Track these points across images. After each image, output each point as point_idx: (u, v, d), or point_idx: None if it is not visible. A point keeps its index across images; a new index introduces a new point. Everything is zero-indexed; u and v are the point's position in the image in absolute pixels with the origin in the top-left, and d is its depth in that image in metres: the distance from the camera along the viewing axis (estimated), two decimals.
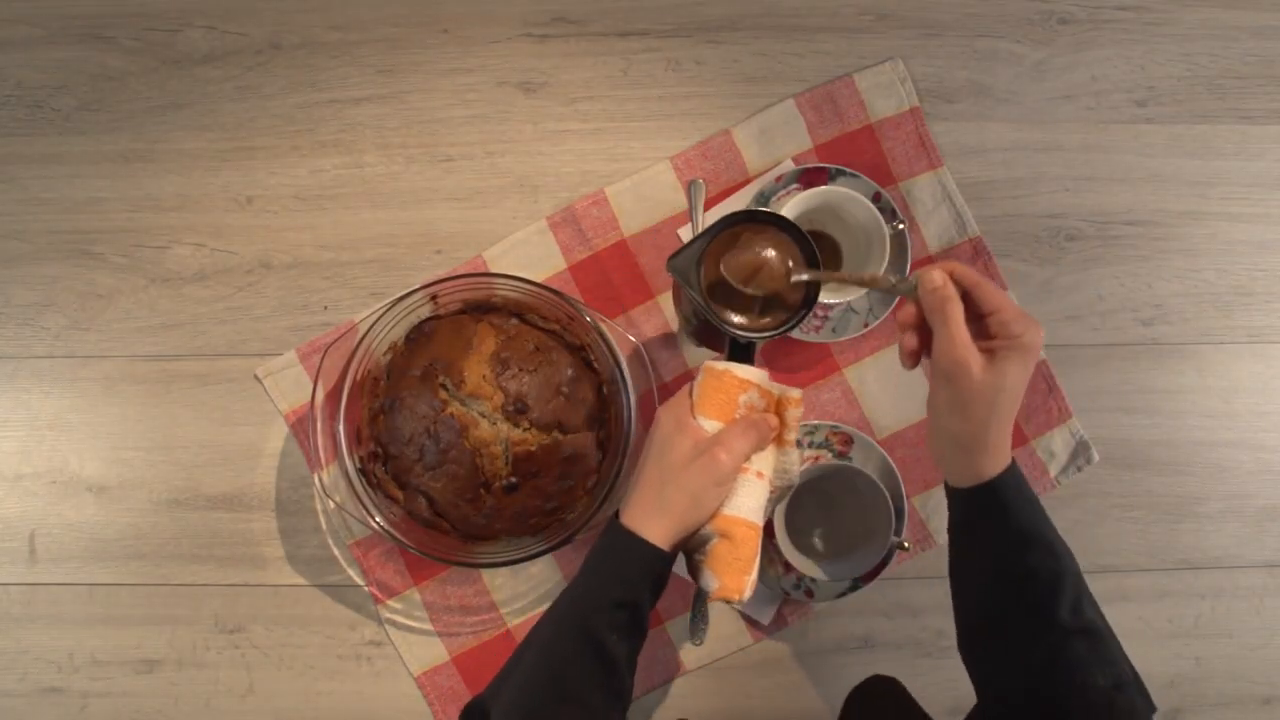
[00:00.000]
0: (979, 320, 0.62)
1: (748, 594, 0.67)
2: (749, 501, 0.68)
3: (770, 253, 0.68)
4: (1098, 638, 0.63)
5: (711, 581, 0.67)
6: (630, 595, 0.64)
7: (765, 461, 0.70)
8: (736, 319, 0.70)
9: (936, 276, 0.61)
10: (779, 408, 0.70)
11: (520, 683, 0.63)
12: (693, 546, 0.68)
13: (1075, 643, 0.61)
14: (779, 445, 0.70)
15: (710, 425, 0.68)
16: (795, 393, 0.70)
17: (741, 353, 0.71)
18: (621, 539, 0.65)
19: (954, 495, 0.67)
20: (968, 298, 0.61)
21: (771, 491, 0.71)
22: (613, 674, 0.63)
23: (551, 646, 0.64)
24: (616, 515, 0.68)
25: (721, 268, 0.68)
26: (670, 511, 0.65)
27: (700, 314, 0.70)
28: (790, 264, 0.68)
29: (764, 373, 0.70)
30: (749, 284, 0.68)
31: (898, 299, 0.86)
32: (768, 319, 0.70)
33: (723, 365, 0.69)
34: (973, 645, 0.66)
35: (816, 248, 0.69)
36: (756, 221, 0.69)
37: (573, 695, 0.62)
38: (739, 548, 0.67)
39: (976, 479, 0.64)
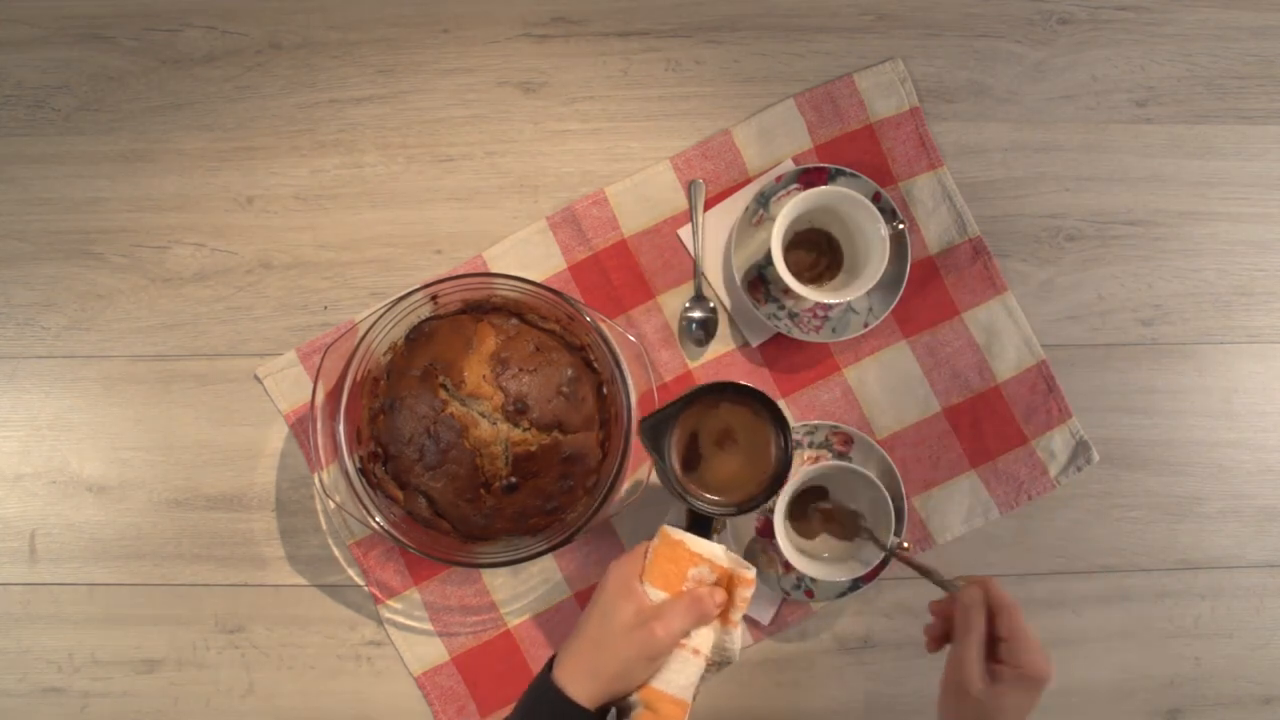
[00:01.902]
0: (996, 641, 0.65)
1: None
2: (679, 679, 0.68)
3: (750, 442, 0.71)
4: None
5: None
6: None
7: (705, 638, 0.69)
8: (702, 492, 0.72)
9: (975, 593, 0.65)
10: (730, 584, 0.69)
11: None
12: (620, 709, 0.69)
13: None
14: (723, 623, 0.70)
15: (656, 594, 0.68)
16: (749, 572, 0.69)
17: (700, 524, 0.72)
18: (550, 696, 0.66)
19: None
20: (993, 618, 0.65)
21: (708, 668, 0.70)
22: None
23: None
24: (550, 665, 0.68)
25: (699, 441, 0.72)
26: (600, 676, 0.66)
27: (664, 478, 0.71)
28: (768, 451, 0.72)
29: (720, 548, 0.70)
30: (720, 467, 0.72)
31: (898, 298, 0.86)
32: (735, 492, 0.72)
33: (678, 535, 0.69)
34: None
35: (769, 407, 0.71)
36: (734, 395, 0.71)
37: None
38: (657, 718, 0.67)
39: None
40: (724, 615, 0.69)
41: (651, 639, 0.66)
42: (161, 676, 0.87)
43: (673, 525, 0.71)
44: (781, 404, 0.89)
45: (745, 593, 0.69)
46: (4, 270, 0.89)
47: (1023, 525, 0.90)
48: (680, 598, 0.68)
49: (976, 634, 0.64)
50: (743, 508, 0.71)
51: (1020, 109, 0.92)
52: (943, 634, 0.69)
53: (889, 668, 0.89)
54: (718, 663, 0.70)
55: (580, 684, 0.66)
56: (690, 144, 0.90)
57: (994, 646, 0.65)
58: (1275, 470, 0.91)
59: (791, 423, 0.88)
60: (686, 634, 0.68)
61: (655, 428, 0.70)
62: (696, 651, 0.68)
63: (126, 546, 0.88)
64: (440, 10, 0.91)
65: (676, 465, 0.72)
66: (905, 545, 0.82)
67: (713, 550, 0.69)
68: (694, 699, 0.69)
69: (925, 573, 0.69)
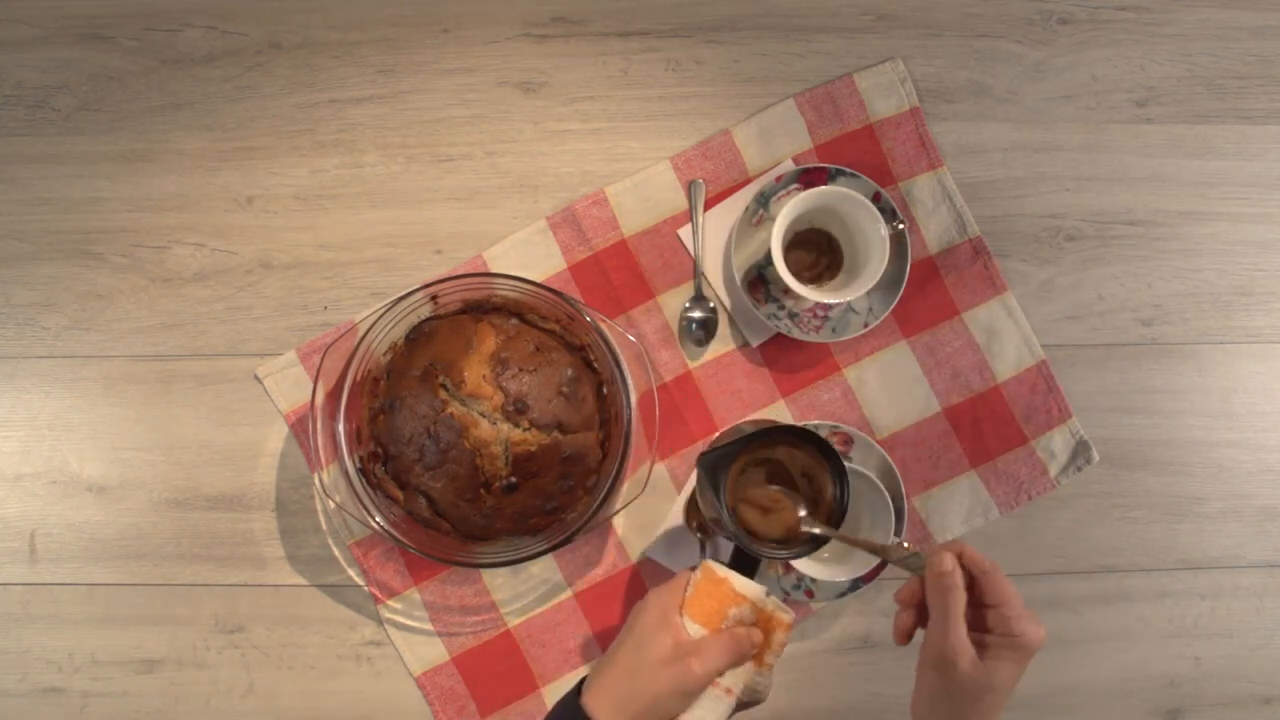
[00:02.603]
0: (979, 609, 0.60)
1: None
2: (710, 716, 0.67)
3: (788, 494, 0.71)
4: None
5: None
6: None
7: (737, 678, 0.68)
8: (753, 530, 0.71)
9: (946, 561, 0.60)
10: (767, 626, 0.68)
11: None
12: None
13: None
14: (757, 664, 0.69)
15: (695, 629, 0.67)
16: (787, 616, 0.68)
17: (746, 564, 0.70)
18: None
19: None
20: (973, 584, 0.60)
21: (736, 708, 0.69)
22: None
23: None
24: (579, 689, 0.67)
25: (748, 493, 0.71)
26: (630, 707, 0.64)
27: (716, 517, 0.70)
28: (800, 511, 0.70)
29: (763, 589, 0.68)
30: (769, 511, 0.70)
31: (898, 298, 0.86)
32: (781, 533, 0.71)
33: (724, 572, 0.68)
34: None
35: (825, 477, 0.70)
36: (796, 438, 0.70)
37: None
38: None
39: None
40: (758, 657, 0.68)
41: (688, 674, 0.64)
42: (161, 676, 0.87)
43: (715, 560, 0.69)
44: (781, 404, 0.89)
45: (782, 636, 0.68)
46: (4, 270, 0.89)
47: (1023, 525, 0.90)
48: (720, 636, 0.66)
49: (958, 604, 0.59)
50: (797, 553, 0.69)
51: (1020, 109, 0.92)
52: (914, 624, 0.64)
53: (889, 668, 0.89)
54: (746, 703, 0.69)
55: (610, 712, 0.64)
56: (690, 144, 0.90)
57: (977, 616, 0.60)
58: (1275, 470, 0.91)
59: (792, 422, 0.88)
60: (721, 673, 0.66)
61: (715, 464, 0.69)
62: (729, 691, 0.67)
63: (126, 546, 0.88)
64: (440, 10, 0.91)
65: (730, 503, 0.71)
66: (905, 545, 0.82)
67: (756, 591, 0.68)
68: None
69: (879, 550, 0.66)
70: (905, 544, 0.80)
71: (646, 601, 0.68)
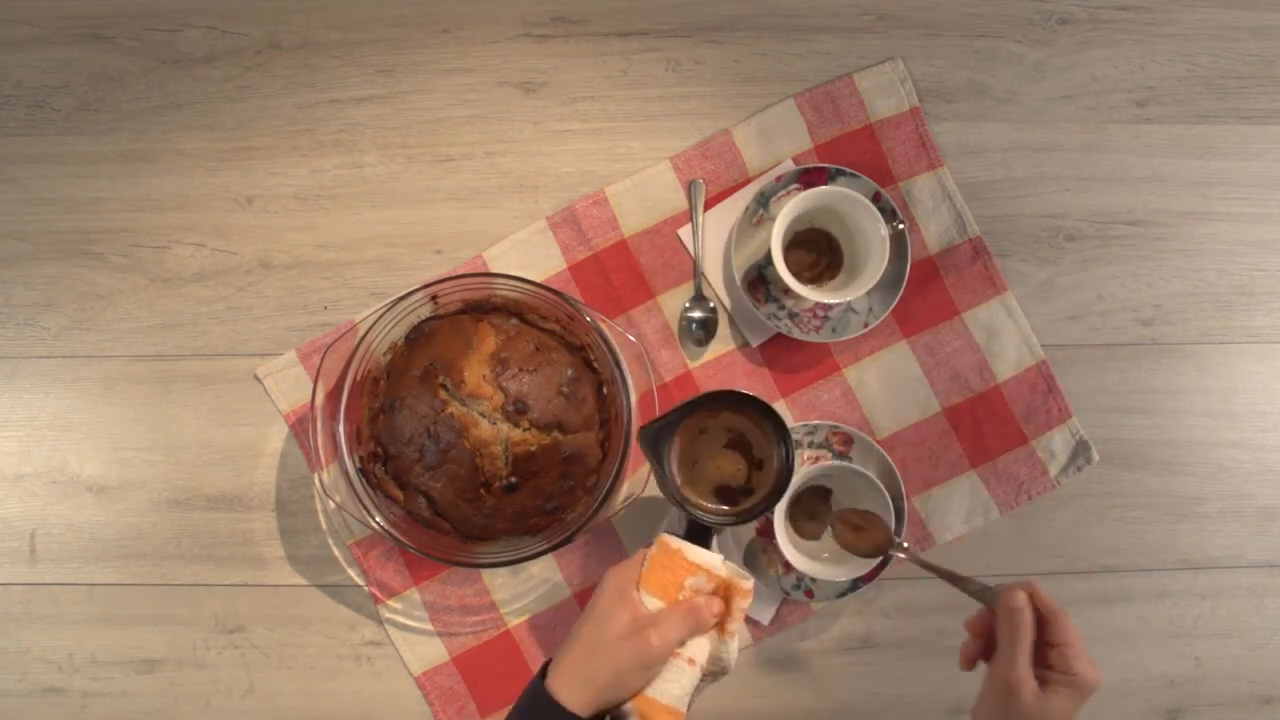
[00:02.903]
0: (1043, 646, 0.63)
1: None
2: (674, 688, 0.67)
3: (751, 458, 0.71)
4: None
5: None
6: None
7: (701, 648, 0.68)
8: (701, 501, 0.71)
9: (1019, 597, 0.63)
10: (727, 594, 0.69)
11: None
12: (614, 718, 0.68)
13: None
14: (720, 633, 0.69)
15: (651, 602, 0.67)
16: (747, 583, 0.68)
17: (699, 533, 0.71)
18: (542, 702, 0.66)
19: None
20: (1041, 623, 0.63)
21: (702, 678, 0.69)
22: None
23: None
24: (544, 672, 0.68)
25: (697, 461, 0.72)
26: (593, 683, 0.65)
27: (665, 487, 0.71)
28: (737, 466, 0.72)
29: (718, 557, 0.69)
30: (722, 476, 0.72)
31: (898, 298, 0.86)
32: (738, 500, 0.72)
33: (676, 543, 0.69)
34: None
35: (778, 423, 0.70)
36: (735, 403, 0.70)
37: None
38: None
39: None
40: (721, 625, 0.69)
41: (646, 648, 0.65)
42: (161, 676, 0.87)
43: (671, 533, 0.70)
44: (781, 404, 0.89)
45: (742, 603, 0.68)
46: (4, 270, 0.89)
47: (1023, 525, 0.90)
48: (676, 607, 0.67)
49: (1026, 639, 0.62)
50: (742, 517, 0.70)
51: (1020, 109, 0.92)
52: (979, 653, 0.67)
53: (889, 668, 0.89)
54: (713, 673, 0.70)
55: (573, 691, 0.66)
56: (690, 144, 0.90)
57: (1040, 652, 0.63)
58: (1275, 470, 0.91)
59: (791, 423, 0.88)
60: (682, 643, 0.68)
61: (656, 435, 0.70)
62: (691, 661, 0.68)
63: (126, 546, 0.88)
64: (440, 10, 0.91)
65: (676, 473, 0.72)
66: (905, 545, 0.83)
67: (710, 560, 0.69)
68: (689, 709, 0.68)
69: (956, 580, 0.68)
70: (905, 544, 0.80)
71: (605, 579, 0.70)
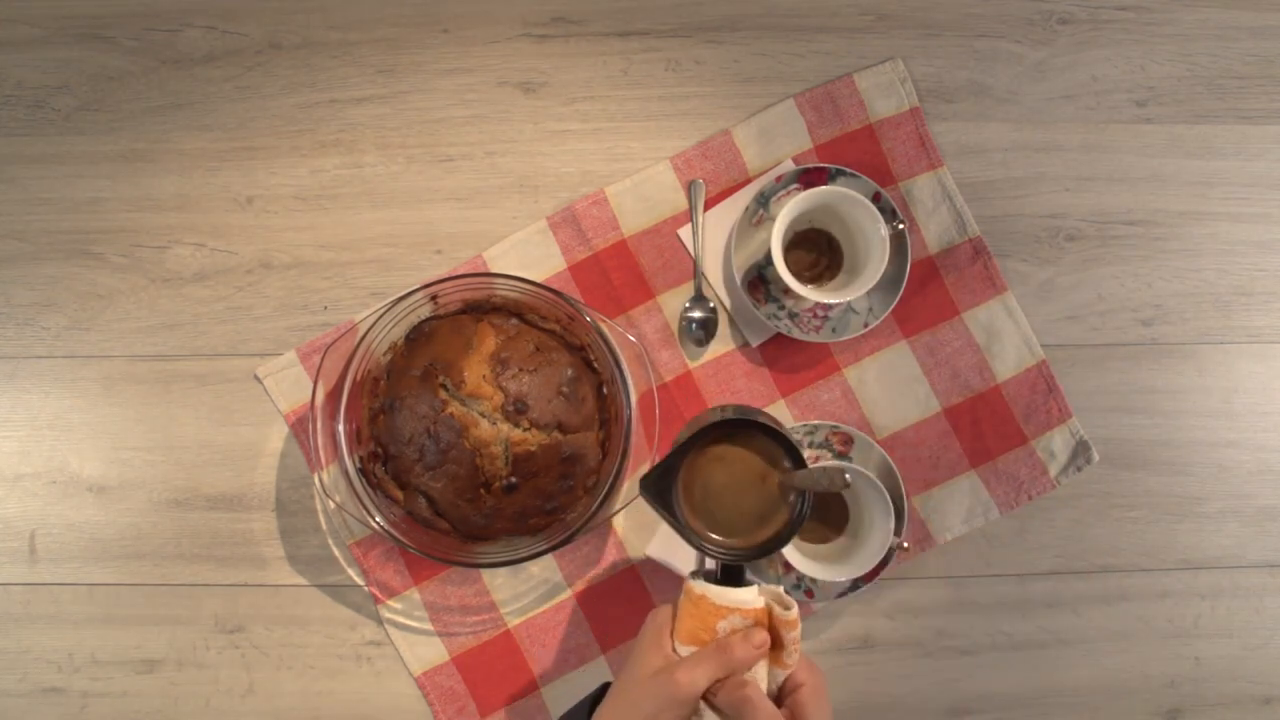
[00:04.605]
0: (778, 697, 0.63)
1: None
2: None
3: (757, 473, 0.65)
4: None
5: None
6: None
7: (758, 682, 0.63)
8: (719, 539, 0.65)
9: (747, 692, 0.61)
10: (773, 627, 0.64)
11: None
12: None
13: None
14: (775, 665, 0.64)
15: (685, 652, 0.63)
16: (790, 612, 0.63)
17: (731, 571, 0.65)
18: None
19: None
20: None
21: None
22: None
23: None
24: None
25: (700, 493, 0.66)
26: None
27: (683, 534, 0.65)
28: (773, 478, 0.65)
29: (751, 591, 0.63)
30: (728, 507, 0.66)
31: (898, 298, 0.86)
32: (757, 532, 0.65)
33: (700, 588, 0.63)
34: None
35: (793, 446, 0.65)
36: (728, 430, 0.65)
37: None
38: None
39: None
40: (776, 659, 0.64)
41: (671, 685, 0.61)
42: (161, 676, 0.87)
43: (697, 573, 0.66)
44: (781, 404, 0.89)
45: (790, 633, 0.63)
46: (4, 270, 0.89)
47: (1023, 525, 0.90)
48: (706, 646, 0.63)
49: (760, 695, 0.61)
50: (767, 548, 0.65)
51: (1020, 109, 0.92)
52: None
53: (889, 668, 0.89)
54: None
55: None
56: (690, 144, 0.90)
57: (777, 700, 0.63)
58: (1275, 470, 0.91)
59: (791, 423, 0.88)
60: (712, 680, 0.62)
61: (658, 483, 0.64)
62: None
63: (126, 546, 0.88)
64: (440, 10, 0.91)
65: (687, 513, 0.66)
66: (905, 545, 0.83)
67: (741, 597, 0.63)
68: None
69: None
70: (905, 544, 0.80)
71: (645, 624, 0.66)
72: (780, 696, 0.63)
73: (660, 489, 0.65)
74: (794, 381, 0.90)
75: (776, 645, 0.63)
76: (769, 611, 0.64)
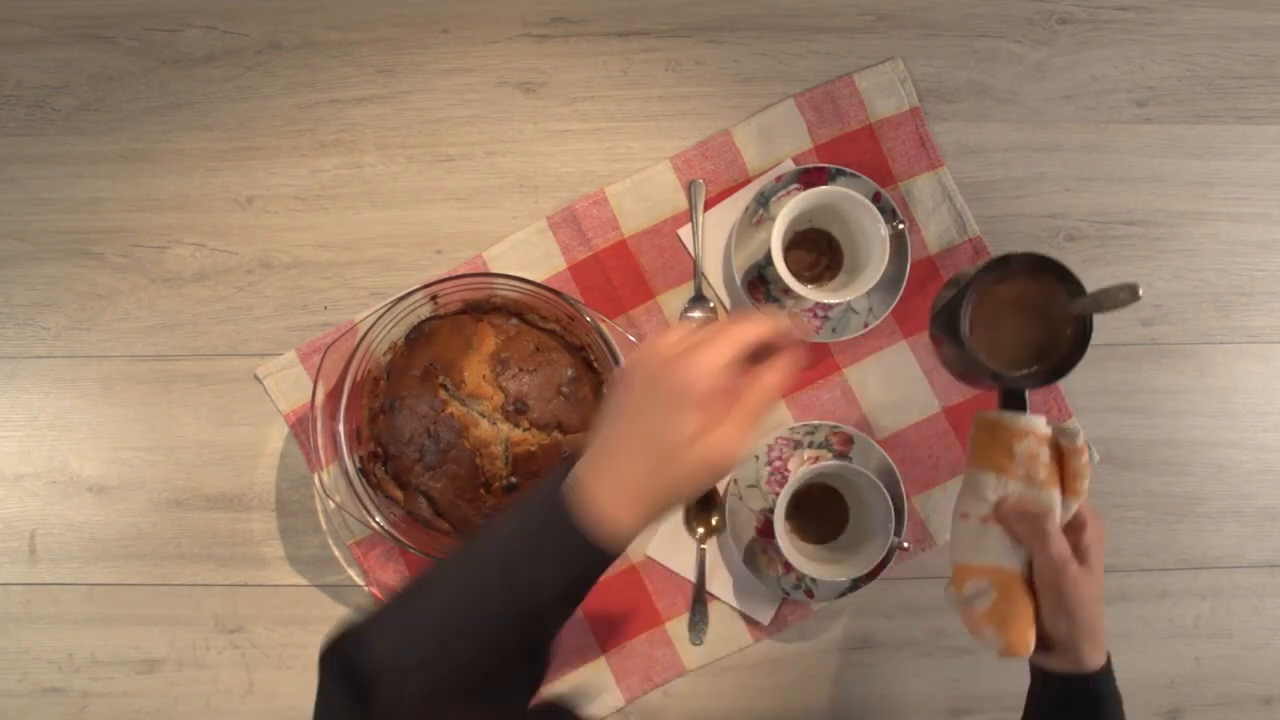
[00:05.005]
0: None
1: (1031, 645, 0.65)
2: (998, 546, 0.66)
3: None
4: None
5: (997, 639, 0.65)
6: (582, 594, 0.57)
7: (1056, 518, 0.65)
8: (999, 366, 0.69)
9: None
10: (1060, 455, 0.66)
11: (433, 645, 0.54)
12: (966, 601, 0.67)
13: None
14: (1073, 496, 0.66)
15: (985, 479, 0.66)
16: (1076, 441, 0.65)
17: (1012, 403, 0.69)
18: (573, 527, 0.55)
19: (1050, 685, 0.68)
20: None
21: None
22: (538, 675, 0.58)
23: (485, 625, 0.55)
24: (567, 478, 0.57)
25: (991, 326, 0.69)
26: (650, 503, 0.56)
27: (971, 361, 0.69)
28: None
29: (1041, 419, 0.66)
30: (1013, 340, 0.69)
31: (898, 298, 0.86)
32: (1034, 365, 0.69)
33: (993, 416, 0.67)
34: None
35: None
36: (1008, 267, 0.68)
37: (495, 692, 0.56)
38: (1013, 601, 0.65)
39: (1078, 667, 0.66)
40: (1069, 488, 0.65)
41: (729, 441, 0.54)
42: (161, 676, 0.87)
43: (984, 412, 0.68)
44: (781, 405, 0.89)
45: (1080, 460, 0.65)
46: (4, 270, 0.89)
47: None
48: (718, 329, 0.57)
49: (1048, 531, 0.63)
50: (1059, 370, 0.67)
51: (1020, 109, 0.92)
52: None
53: (889, 668, 0.89)
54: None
55: (630, 513, 0.55)
56: (690, 144, 0.90)
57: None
58: (1275, 470, 0.91)
59: (790, 423, 0.88)
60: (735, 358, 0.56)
61: (947, 320, 0.68)
62: (985, 519, 0.66)
63: (126, 546, 0.88)
64: (440, 10, 0.91)
65: (974, 345, 0.68)
66: (906, 545, 0.83)
67: (1033, 423, 0.65)
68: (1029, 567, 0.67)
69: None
70: (905, 544, 0.80)
71: (632, 371, 0.58)
72: (1067, 532, 0.65)
73: (949, 325, 0.68)
74: (794, 381, 0.90)
75: (1068, 474, 0.65)
76: (1056, 441, 0.66)
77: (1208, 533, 0.91)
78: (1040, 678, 0.69)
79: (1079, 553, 0.64)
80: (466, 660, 0.55)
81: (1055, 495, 0.65)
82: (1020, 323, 0.69)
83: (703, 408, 0.55)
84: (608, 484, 0.55)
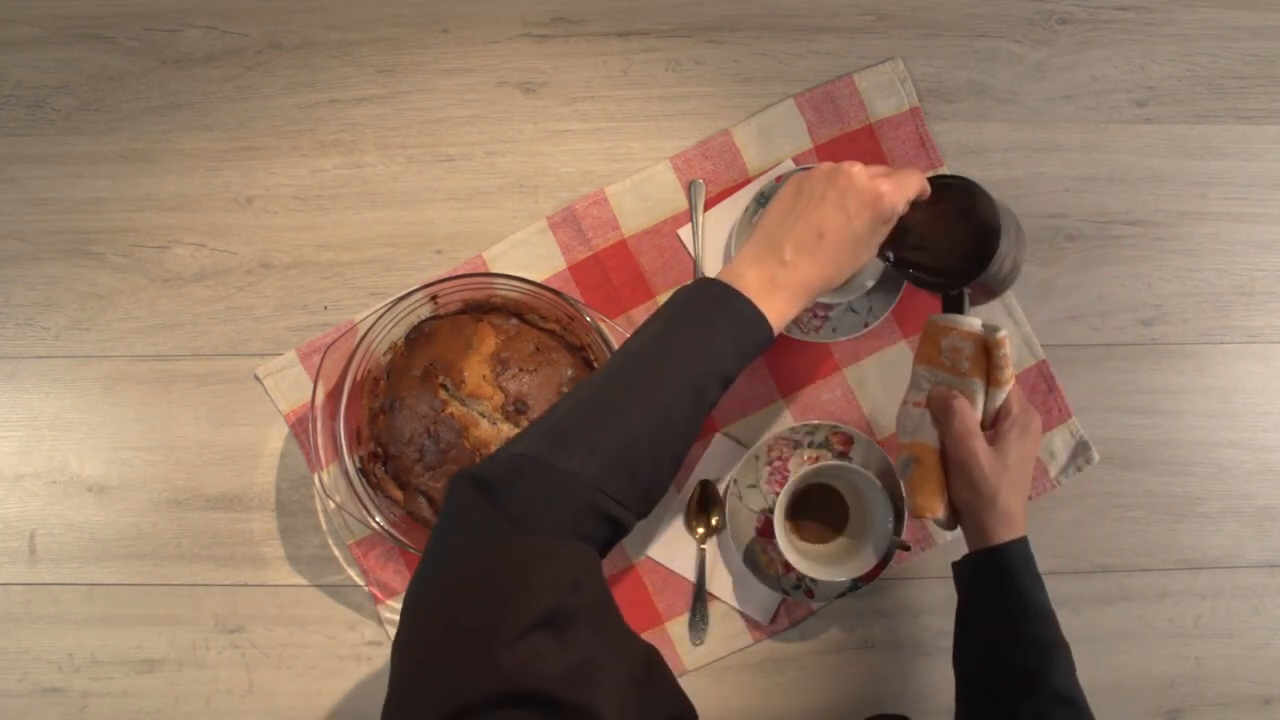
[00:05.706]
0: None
1: (941, 513, 0.72)
2: (923, 425, 0.73)
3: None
4: (1080, 713, 0.67)
5: (910, 503, 0.74)
6: (740, 369, 0.65)
7: (977, 402, 0.72)
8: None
9: (943, 392, 0.72)
10: (986, 349, 0.72)
11: (595, 426, 0.59)
12: (900, 473, 0.75)
13: (1060, 711, 0.66)
14: (995, 385, 0.72)
15: (921, 370, 0.74)
16: (998, 333, 0.71)
17: (952, 306, 0.75)
18: (752, 318, 0.64)
19: (963, 564, 0.73)
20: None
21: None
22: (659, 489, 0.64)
23: (658, 393, 0.61)
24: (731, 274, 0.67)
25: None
26: (813, 254, 0.67)
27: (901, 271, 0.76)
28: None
29: (974, 320, 0.72)
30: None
31: (898, 298, 0.86)
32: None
33: (931, 317, 0.74)
34: (970, 707, 0.72)
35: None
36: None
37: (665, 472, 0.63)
38: (927, 470, 0.72)
39: (985, 542, 0.70)
40: (994, 379, 0.72)
41: (877, 199, 0.67)
42: (161, 676, 0.87)
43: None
44: (781, 405, 0.89)
45: (1000, 351, 0.71)
46: (4, 270, 0.89)
47: None
48: (904, 173, 0.70)
49: (961, 414, 0.70)
50: (968, 274, 0.72)
51: (1020, 109, 0.92)
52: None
53: (889, 668, 0.89)
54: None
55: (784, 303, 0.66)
56: (690, 144, 0.90)
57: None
58: (1275, 470, 0.91)
59: (790, 423, 0.88)
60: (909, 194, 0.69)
61: (892, 235, 0.72)
62: (918, 404, 0.74)
63: (126, 546, 0.88)
64: (440, 10, 0.91)
65: (903, 255, 0.75)
66: (906, 545, 0.83)
67: (956, 319, 0.72)
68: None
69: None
70: (906, 544, 0.80)
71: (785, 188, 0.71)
72: (994, 420, 0.73)
73: (891, 244, 0.73)
74: (794, 381, 0.90)
75: (991, 365, 0.72)
76: (980, 335, 0.72)
77: (1208, 533, 0.91)
78: (959, 569, 0.74)
79: (997, 435, 0.71)
80: (642, 431, 0.60)
81: (976, 383, 0.72)
82: (950, 238, 0.74)
83: (873, 208, 0.67)
84: (770, 269, 0.67)
